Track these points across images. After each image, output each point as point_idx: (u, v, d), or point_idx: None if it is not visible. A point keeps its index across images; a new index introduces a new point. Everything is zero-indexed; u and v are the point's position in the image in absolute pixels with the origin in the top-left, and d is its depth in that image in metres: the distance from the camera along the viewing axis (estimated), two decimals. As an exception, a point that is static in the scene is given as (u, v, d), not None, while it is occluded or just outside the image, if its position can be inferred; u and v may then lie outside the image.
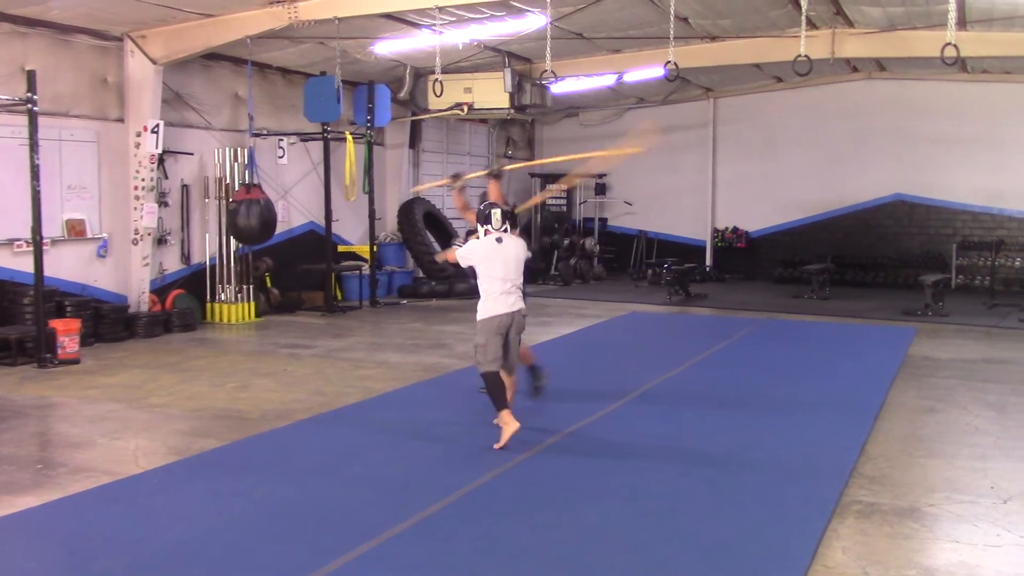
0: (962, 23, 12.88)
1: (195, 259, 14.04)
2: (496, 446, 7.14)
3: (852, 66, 18.99)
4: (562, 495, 6.21)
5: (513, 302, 7.62)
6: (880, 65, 18.97)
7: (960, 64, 16.31)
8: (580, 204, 22.65)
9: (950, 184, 19.34)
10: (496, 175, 8.64)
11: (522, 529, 5.57)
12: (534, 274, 20.21)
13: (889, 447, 7.48)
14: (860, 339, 13.19)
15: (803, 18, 11.64)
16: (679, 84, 18.16)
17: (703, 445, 6.96)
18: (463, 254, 7.83)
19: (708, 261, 21.38)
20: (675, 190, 21.71)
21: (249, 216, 13.14)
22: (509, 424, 7.20)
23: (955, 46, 10.00)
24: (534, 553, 5.21)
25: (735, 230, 21.40)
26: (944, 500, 6.19)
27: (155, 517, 5.77)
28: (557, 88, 17.34)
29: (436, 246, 17.73)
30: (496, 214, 7.72)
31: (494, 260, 7.64)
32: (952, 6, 10.17)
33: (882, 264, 19.97)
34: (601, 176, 22.30)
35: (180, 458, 7.05)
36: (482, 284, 7.67)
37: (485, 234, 7.73)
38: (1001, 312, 15.66)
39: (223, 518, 5.75)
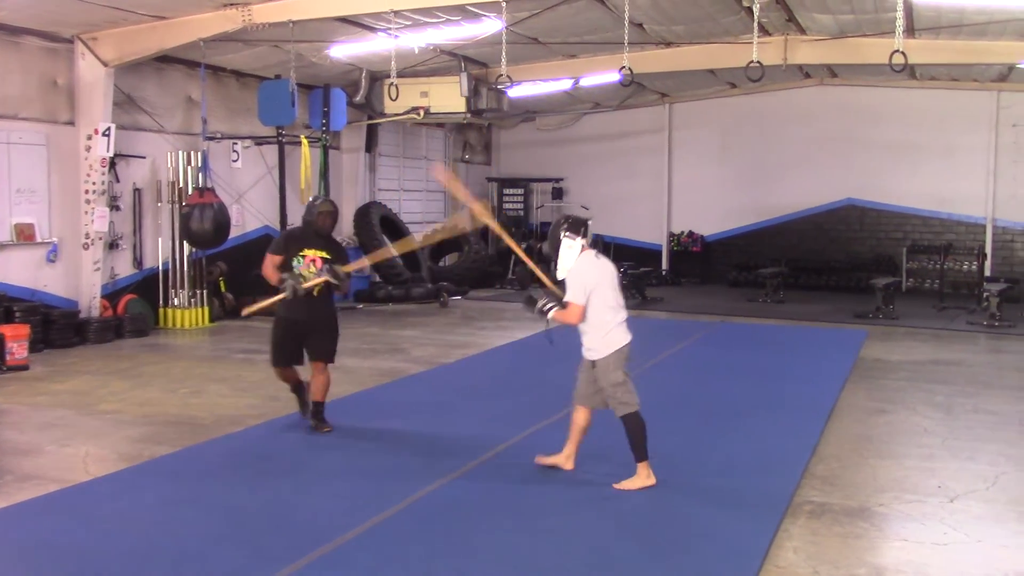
0: (910, 31, 13.12)
1: (147, 264, 13.87)
2: (617, 486, 6.35)
3: (804, 72, 19.25)
4: (517, 501, 6.21)
5: (627, 329, 6.54)
6: (832, 71, 19.25)
7: (909, 71, 16.60)
8: (537, 208, 22.69)
9: (900, 189, 19.67)
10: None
11: (478, 531, 5.57)
12: (491, 278, 20.26)
13: (840, 448, 7.59)
14: (813, 342, 13.36)
15: (755, 24, 11.80)
16: (635, 89, 18.29)
17: (657, 446, 6.96)
18: (577, 289, 6.31)
19: (664, 265, 21.51)
20: (632, 195, 21.84)
21: (203, 220, 13.00)
22: (649, 479, 6.36)
23: (903, 53, 10.18)
24: (492, 553, 5.21)
25: (691, 234, 21.57)
26: (893, 500, 6.29)
27: (105, 525, 5.69)
28: (514, 92, 17.38)
29: (392, 250, 17.64)
30: (587, 225, 6.53)
31: (605, 283, 6.41)
32: (900, 14, 10.34)
33: (834, 268, 20.24)
34: (559, 180, 22.38)
35: (131, 464, 6.96)
36: (597, 315, 6.36)
37: (582, 251, 6.46)
38: (950, 315, 15.95)
39: (174, 525, 5.68)
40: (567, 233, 6.47)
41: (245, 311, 8.10)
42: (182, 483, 6.49)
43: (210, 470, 6.79)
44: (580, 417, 6.69)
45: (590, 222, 6.72)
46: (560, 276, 6.54)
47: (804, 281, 19.98)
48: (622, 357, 6.43)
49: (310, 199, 8.14)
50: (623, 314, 6.50)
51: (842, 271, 20.10)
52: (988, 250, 18.62)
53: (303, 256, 7.68)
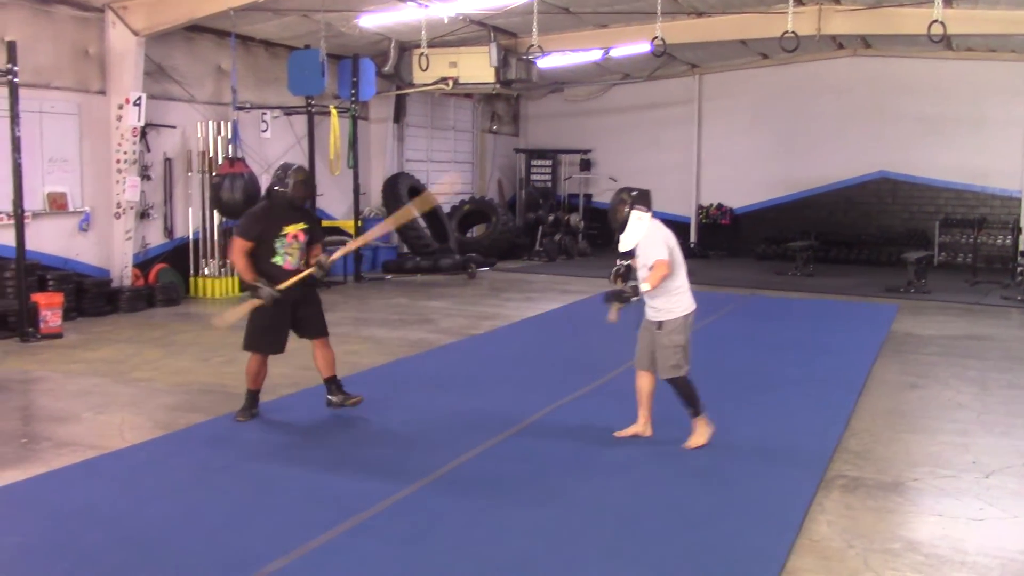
0: (948, 0, 12.89)
1: (178, 233, 13.94)
2: (686, 445, 6.63)
3: (838, 43, 19.00)
4: (553, 468, 6.23)
5: (692, 296, 6.75)
6: (865, 42, 18.99)
7: (945, 42, 16.32)
8: (565, 180, 22.61)
9: (933, 162, 19.42)
10: None
11: (510, 502, 5.59)
12: (518, 250, 20.25)
13: (873, 422, 7.54)
14: (843, 316, 13.26)
15: (790, -7, 11.64)
16: (664, 60, 18.10)
17: (690, 421, 6.99)
18: (660, 247, 6.52)
19: (692, 238, 21.40)
20: (660, 167, 21.69)
21: (233, 190, 13.03)
22: (708, 428, 6.69)
23: (942, 23, 10.03)
24: (523, 527, 5.23)
25: (719, 207, 21.43)
26: (927, 475, 6.25)
27: (142, 491, 5.76)
28: (543, 63, 17.26)
29: (421, 221, 17.68)
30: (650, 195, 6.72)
31: (677, 247, 6.67)
32: (939, -18, 10.17)
33: (865, 241, 20.06)
34: (587, 152, 22.29)
35: (166, 432, 7.03)
36: (671, 278, 6.57)
37: (651, 219, 6.66)
38: (983, 289, 15.78)
39: (212, 493, 5.75)
40: (637, 206, 6.62)
41: (218, 322, 7.46)
42: (218, 451, 6.55)
43: (246, 439, 6.84)
44: (644, 382, 6.84)
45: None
46: (625, 247, 6.72)
47: (834, 255, 19.83)
48: (688, 323, 6.65)
49: (278, 167, 7.18)
50: (688, 282, 6.71)
51: (873, 245, 19.91)
52: (1023, 224, 18.35)
53: (284, 235, 7.00)
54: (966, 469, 6.37)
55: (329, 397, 7.47)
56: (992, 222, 18.76)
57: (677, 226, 22.02)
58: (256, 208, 7.31)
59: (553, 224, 21.02)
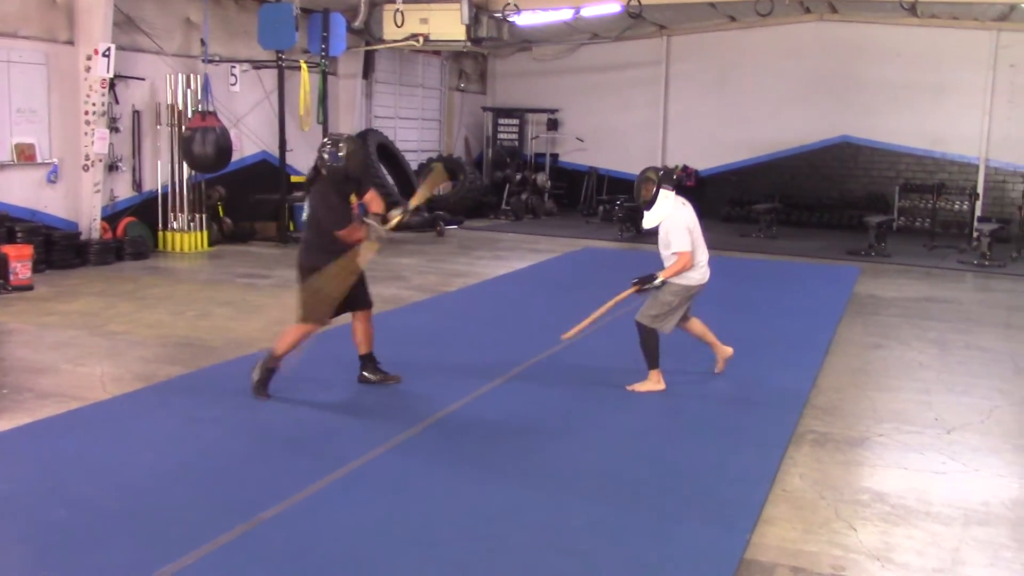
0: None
1: (147, 187, 13.83)
2: (630, 387, 7.13)
3: (805, 7, 19.15)
4: (535, 421, 6.40)
5: (707, 270, 7.25)
6: (832, 7, 19.16)
7: (911, 8, 16.55)
8: (532, 139, 22.64)
9: (895, 127, 19.72)
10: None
11: (498, 452, 5.75)
12: (485, 208, 20.31)
13: (839, 380, 7.80)
14: (807, 277, 13.55)
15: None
16: (633, 21, 18.14)
17: (664, 377, 7.21)
18: (683, 238, 6.98)
19: (658, 199, 21.48)
20: (626, 127, 21.81)
21: (204, 144, 12.97)
22: (658, 383, 7.13)
23: (911, -10, 10.18)
24: (507, 477, 5.39)
25: (685, 168, 21.61)
26: (892, 431, 6.51)
27: (131, 441, 5.84)
28: (520, 20, 17.16)
29: (389, 179, 17.67)
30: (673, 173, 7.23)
31: (697, 228, 7.15)
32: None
33: (827, 205, 20.38)
34: (555, 111, 22.33)
35: (148, 384, 7.08)
36: (692, 259, 7.07)
37: (675, 199, 7.12)
38: (940, 253, 16.17)
39: (200, 443, 5.83)
40: (664, 186, 7.07)
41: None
42: (203, 402, 6.63)
43: (229, 390, 6.90)
44: (694, 329, 7.52)
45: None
46: (649, 224, 7.19)
47: (797, 217, 20.14)
48: (688, 291, 7.09)
49: (326, 142, 6.79)
50: (706, 256, 7.20)
51: (835, 208, 20.24)
52: (980, 190, 18.76)
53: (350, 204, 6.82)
54: (929, 425, 6.64)
55: (364, 374, 7.18)
56: (950, 188, 19.14)
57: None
58: (327, 193, 6.78)
59: (520, 183, 21.09)
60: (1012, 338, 9.81)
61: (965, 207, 18.69)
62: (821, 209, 20.36)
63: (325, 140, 6.86)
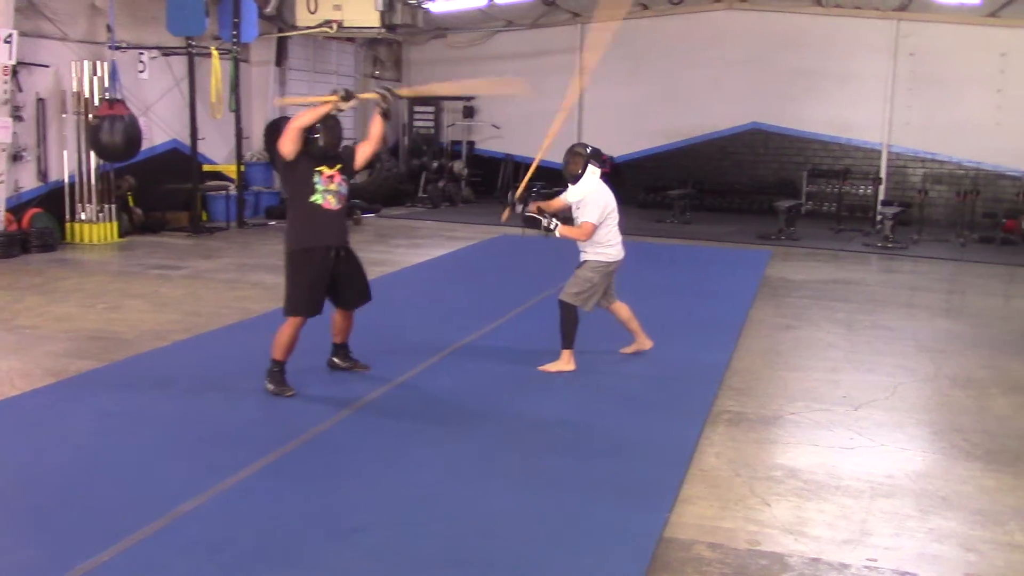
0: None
1: (52, 176, 13.43)
2: (542, 368, 7.33)
3: (716, -4, 19.46)
4: (453, 408, 6.43)
5: (622, 248, 7.50)
6: (742, -4, 19.51)
7: (817, -2, 16.96)
8: (448, 127, 22.59)
9: (803, 114, 20.17)
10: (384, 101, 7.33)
11: (425, 436, 5.77)
12: (402, 196, 20.22)
13: (752, 361, 8.00)
14: (720, 261, 13.83)
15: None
16: (548, 8, 18.23)
17: (580, 360, 7.31)
18: (596, 211, 7.21)
19: (574, 185, 21.65)
20: (542, 114, 21.58)
21: (113, 132, 12.63)
22: (569, 364, 7.31)
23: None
24: (429, 453, 5.42)
25: (599, 154, 21.75)
26: (803, 409, 6.71)
27: (42, 438, 5.70)
28: (435, 7, 17.11)
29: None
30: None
31: (615, 208, 7.37)
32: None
33: (739, 190, 20.78)
34: (470, 99, 22.29)
35: (58, 379, 6.91)
36: (604, 234, 7.31)
37: (598, 179, 7.34)
38: (846, 237, 16.65)
39: (113, 437, 5.73)
40: (594, 162, 7.32)
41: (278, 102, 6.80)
42: (115, 397, 6.49)
43: (142, 384, 6.78)
44: (619, 313, 7.76)
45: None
46: (573, 199, 7.41)
47: (709, 203, 20.49)
48: (607, 267, 7.37)
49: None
50: (619, 237, 7.46)
51: (746, 193, 20.66)
52: (883, 175, 19.35)
53: (320, 171, 6.66)
54: (837, 403, 6.86)
55: (335, 360, 7.21)
56: (855, 173, 19.70)
57: (559, 174, 22.29)
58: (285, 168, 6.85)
59: (437, 171, 21.04)
60: (914, 317, 10.17)
61: (869, 191, 19.28)
62: (733, 194, 20.76)
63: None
